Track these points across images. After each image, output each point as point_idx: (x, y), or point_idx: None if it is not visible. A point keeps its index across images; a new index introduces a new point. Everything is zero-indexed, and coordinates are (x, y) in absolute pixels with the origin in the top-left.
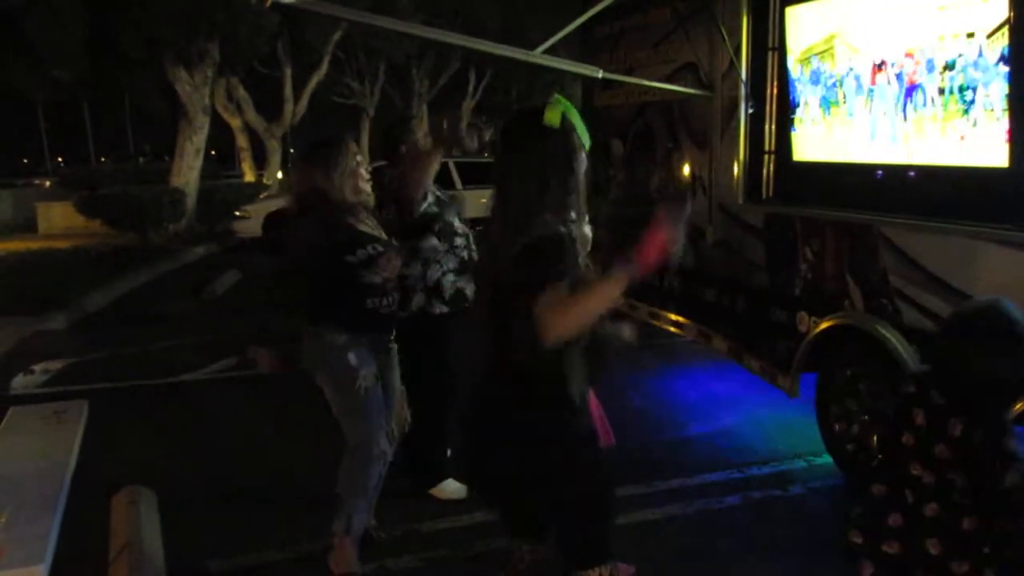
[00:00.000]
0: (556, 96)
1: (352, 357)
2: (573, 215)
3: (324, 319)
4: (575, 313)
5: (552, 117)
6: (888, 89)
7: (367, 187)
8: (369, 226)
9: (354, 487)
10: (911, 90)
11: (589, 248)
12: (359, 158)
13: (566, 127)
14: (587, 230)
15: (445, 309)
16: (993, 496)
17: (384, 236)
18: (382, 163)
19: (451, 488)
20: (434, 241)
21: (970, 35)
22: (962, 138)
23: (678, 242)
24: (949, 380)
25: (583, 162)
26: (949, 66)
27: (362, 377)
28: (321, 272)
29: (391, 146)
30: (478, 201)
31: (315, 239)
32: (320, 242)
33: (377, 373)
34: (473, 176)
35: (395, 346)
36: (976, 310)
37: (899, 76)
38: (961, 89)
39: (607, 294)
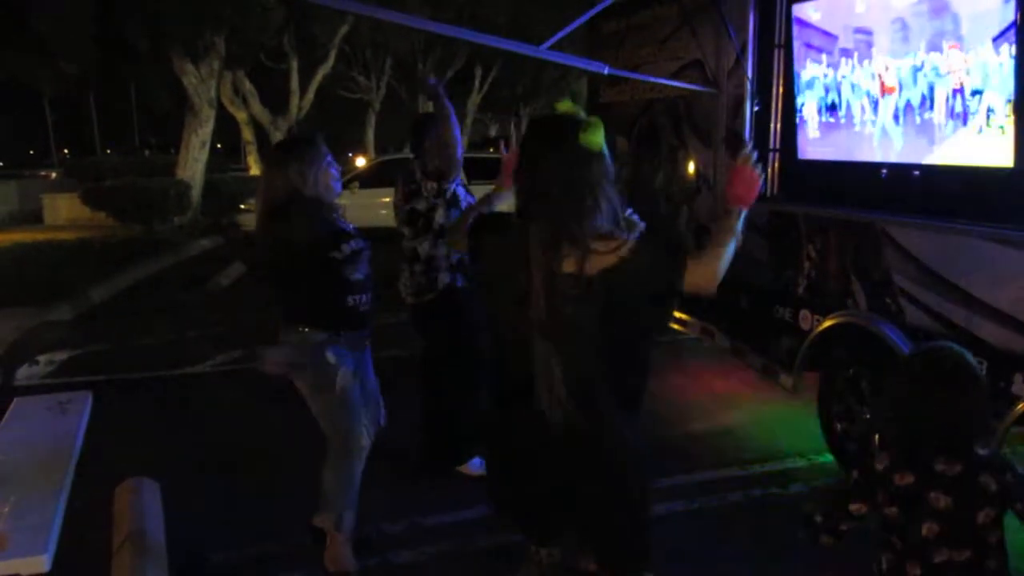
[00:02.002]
0: (568, 103)
1: (330, 355)
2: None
3: (302, 317)
4: (723, 261)
5: (595, 140)
6: (893, 88)
7: (337, 186)
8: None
9: (341, 486)
10: (917, 88)
11: None
12: (328, 158)
13: (603, 150)
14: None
15: (471, 284)
16: (969, 530)
17: (357, 232)
18: (409, 155)
19: (480, 466)
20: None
21: (977, 35)
22: (967, 138)
23: (759, 172)
24: (911, 429)
25: (613, 180)
26: (955, 66)
27: (340, 376)
28: (302, 269)
29: (416, 141)
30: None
31: (297, 235)
32: (303, 238)
33: (355, 372)
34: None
35: (368, 343)
36: (928, 354)
37: (905, 75)
38: (967, 89)
39: (732, 235)
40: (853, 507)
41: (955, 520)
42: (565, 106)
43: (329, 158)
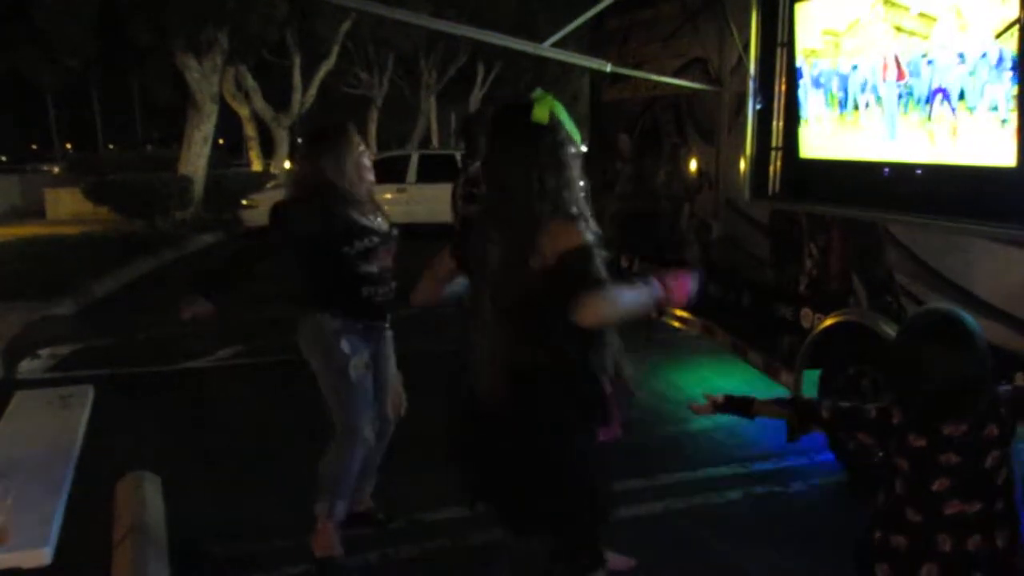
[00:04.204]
0: (539, 91)
1: (345, 344)
2: (574, 210)
3: (319, 305)
4: (614, 308)
5: (540, 113)
6: (896, 87)
7: (371, 175)
8: (371, 218)
9: (338, 471)
10: (919, 88)
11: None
12: (362, 147)
13: (554, 122)
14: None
15: None
16: (980, 478)
17: (385, 228)
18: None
19: None
20: None
21: (979, 34)
22: (969, 137)
23: (694, 293)
24: (912, 393)
25: (576, 156)
26: (958, 65)
27: (352, 365)
28: (316, 260)
29: (470, 140)
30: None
31: (312, 227)
32: (317, 230)
33: (368, 361)
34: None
35: (390, 333)
36: (927, 317)
37: (907, 73)
38: (969, 88)
39: (641, 304)
40: (861, 436)
41: (965, 471)
42: (536, 95)
43: (362, 147)
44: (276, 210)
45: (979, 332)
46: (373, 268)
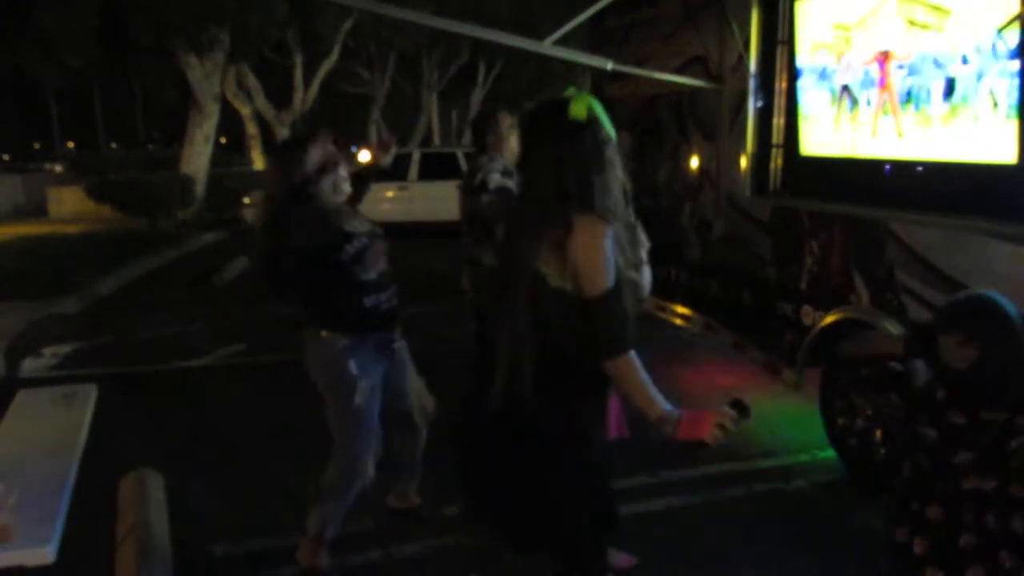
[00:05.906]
0: (573, 89)
1: (353, 365)
2: (617, 213)
3: (324, 323)
4: (627, 386)
5: (578, 110)
6: (897, 84)
7: (347, 186)
8: (353, 223)
9: (335, 496)
10: (920, 85)
11: (644, 251)
12: (338, 158)
13: (592, 119)
14: (641, 236)
15: None
16: (1000, 460)
17: (369, 227)
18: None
19: None
20: None
21: (980, 30)
22: (970, 134)
23: (718, 439)
24: (947, 377)
25: (616, 156)
26: (959, 61)
27: (360, 391)
28: (314, 273)
29: (478, 138)
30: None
31: (302, 240)
32: (308, 243)
33: (376, 384)
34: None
35: (403, 343)
36: (962, 302)
37: (908, 70)
38: (971, 84)
39: (645, 404)
40: (895, 398)
41: (989, 452)
42: (570, 92)
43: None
44: (281, 220)
45: (1015, 319)
46: (371, 274)
